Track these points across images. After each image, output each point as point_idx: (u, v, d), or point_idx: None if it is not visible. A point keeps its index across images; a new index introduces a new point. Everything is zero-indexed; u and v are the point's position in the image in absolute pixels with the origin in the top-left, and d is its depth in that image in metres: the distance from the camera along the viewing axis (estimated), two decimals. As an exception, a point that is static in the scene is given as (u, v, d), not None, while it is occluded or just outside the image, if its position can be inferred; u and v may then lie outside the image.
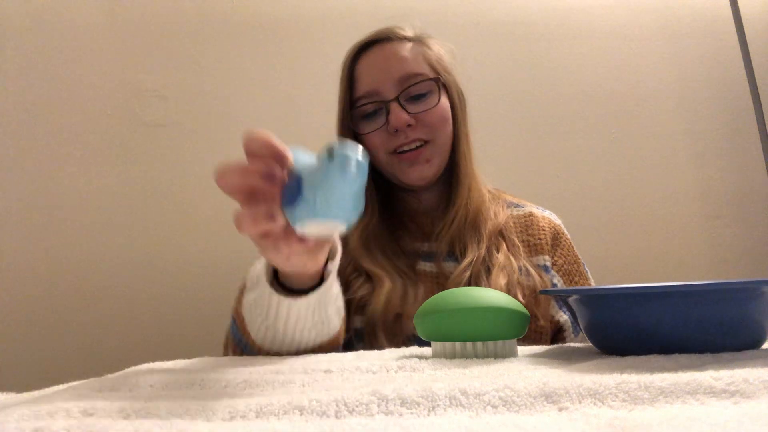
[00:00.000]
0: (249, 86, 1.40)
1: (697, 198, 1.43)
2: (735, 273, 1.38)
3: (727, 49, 1.47)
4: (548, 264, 0.84)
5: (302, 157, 0.41)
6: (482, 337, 0.47)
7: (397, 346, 0.62)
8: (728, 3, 1.41)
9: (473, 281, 0.77)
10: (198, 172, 1.34)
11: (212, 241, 1.33)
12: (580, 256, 0.90)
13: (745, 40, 1.38)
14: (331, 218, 0.37)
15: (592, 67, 1.47)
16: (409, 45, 0.84)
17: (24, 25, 1.36)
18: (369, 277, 0.78)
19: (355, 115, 0.85)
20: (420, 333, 0.50)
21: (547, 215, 0.90)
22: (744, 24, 1.39)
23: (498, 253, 0.79)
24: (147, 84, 1.38)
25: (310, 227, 0.39)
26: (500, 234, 0.83)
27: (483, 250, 0.79)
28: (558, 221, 0.91)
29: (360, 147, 0.38)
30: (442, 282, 0.79)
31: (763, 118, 1.37)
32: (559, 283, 0.84)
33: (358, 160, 0.36)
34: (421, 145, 0.82)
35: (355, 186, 0.37)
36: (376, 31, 0.86)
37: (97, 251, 1.31)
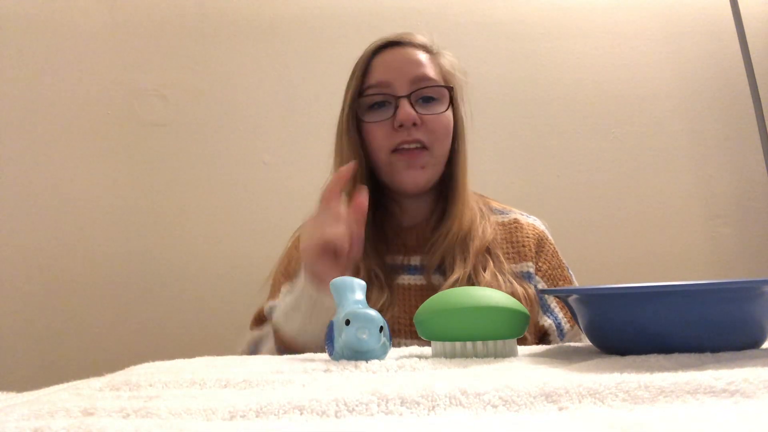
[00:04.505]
0: (249, 86, 1.40)
1: (697, 198, 1.43)
2: (735, 273, 1.38)
3: (727, 49, 1.46)
4: (531, 270, 0.84)
5: (348, 296, 0.49)
6: (482, 336, 0.47)
7: None
8: (728, 3, 1.41)
9: None
10: (198, 172, 1.34)
11: (212, 240, 1.33)
12: (564, 261, 0.90)
13: (745, 40, 1.38)
14: (353, 359, 0.46)
15: (592, 67, 1.47)
16: (426, 54, 0.86)
17: (24, 25, 1.36)
18: None
19: (363, 103, 0.85)
20: (420, 333, 0.50)
21: (531, 221, 0.90)
22: (744, 24, 1.39)
23: (485, 272, 0.80)
24: (147, 83, 1.38)
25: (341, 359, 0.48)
26: (487, 251, 0.83)
27: (469, 268, 0.80)
28: (542, 227, 0.91)
29: (374, 315, 0.46)
30: (429, 295, 0.80)
31: (763, 118, 1.37)
32: (544, 288, 0.84)
33: (369, 329, 0.45)
34: (419, 147, 0.82)
35: (369, 344, 0.45)
36: (398, 33, 0.88)
37: (97, 251, 1.31)
